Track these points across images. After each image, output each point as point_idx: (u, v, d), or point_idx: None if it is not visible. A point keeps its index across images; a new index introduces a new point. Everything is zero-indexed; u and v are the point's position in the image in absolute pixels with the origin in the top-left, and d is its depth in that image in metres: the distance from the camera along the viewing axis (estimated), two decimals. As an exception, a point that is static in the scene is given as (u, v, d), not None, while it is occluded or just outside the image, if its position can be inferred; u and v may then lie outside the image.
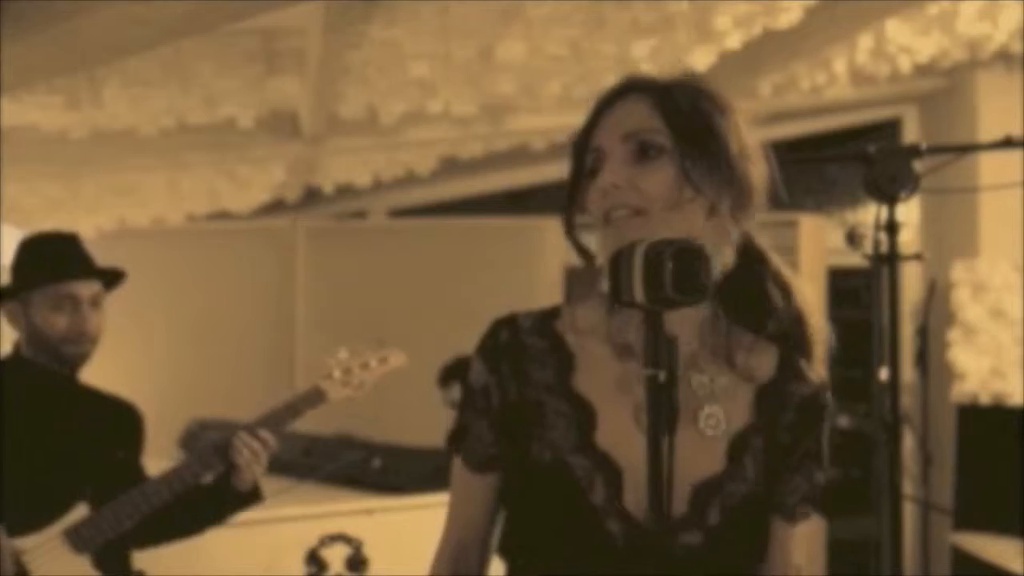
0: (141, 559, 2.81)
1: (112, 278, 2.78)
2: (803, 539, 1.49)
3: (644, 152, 1.37)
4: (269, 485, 3.64)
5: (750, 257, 1.45)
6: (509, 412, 1.40)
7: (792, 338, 1.45)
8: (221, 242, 6.46)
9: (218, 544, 3.20)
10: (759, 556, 1.41)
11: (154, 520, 2.59)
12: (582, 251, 1.46)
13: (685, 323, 1.36)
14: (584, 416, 1.37)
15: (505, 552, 1.44)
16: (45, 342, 2.62)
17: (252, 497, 2.68)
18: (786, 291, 1.46)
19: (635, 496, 1.33)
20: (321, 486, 3.71)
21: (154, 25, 3.00)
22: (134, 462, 2.74)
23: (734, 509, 1.36)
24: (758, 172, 1.43)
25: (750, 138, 1.46)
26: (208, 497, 2.66)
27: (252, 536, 3.28)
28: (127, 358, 6.20)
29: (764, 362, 1.43)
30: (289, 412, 2.69)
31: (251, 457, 2.58)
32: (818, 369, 1.47)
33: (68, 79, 3.87)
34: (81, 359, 2.67)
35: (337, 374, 2.74)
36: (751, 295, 1.44)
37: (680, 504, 1.34)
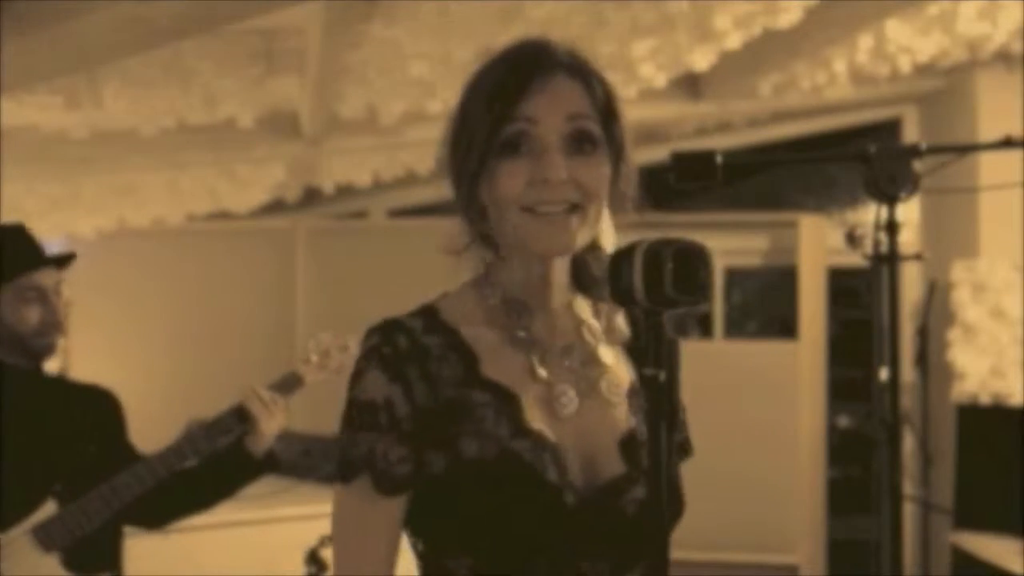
0: (137, 557, 2.80)
1: (65, 262, 2.73)
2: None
3: (581, 143, 1.34)
4: (269, 485, 3.64)
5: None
6: (423, 419, 1.31)
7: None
8: (221, 242, 6.46)
9: (218, 544, 3.20)
10: (683, 498, 1.42)
11: (164, 495, 2.57)
12: (486, 237, 1.42)
13: (564, 308, 1.41)
14: (508, 401, 1.34)
15: (441, 556, 1.35)
16: (14, 338, 2.58)
17: (267, 463, 2.67)
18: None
19: (576, 470, 1.34)
20: (321, 486, 3.71)
21: (154, 25, 3.00)
22: (117, 447, 2.70)
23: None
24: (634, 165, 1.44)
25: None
26: (222, 466, 2.65)
27: (252, 536, 3.28)
28: (127, 358, 6.20)
29: (617, 323, 1.47)
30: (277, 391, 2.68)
31: (262, 408, 2.59)
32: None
33: (68, 79, 3.87)
34: (50, 351, 2.65)
35: (315, 358, 2.72)
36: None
37: (615, 465, 1.36)
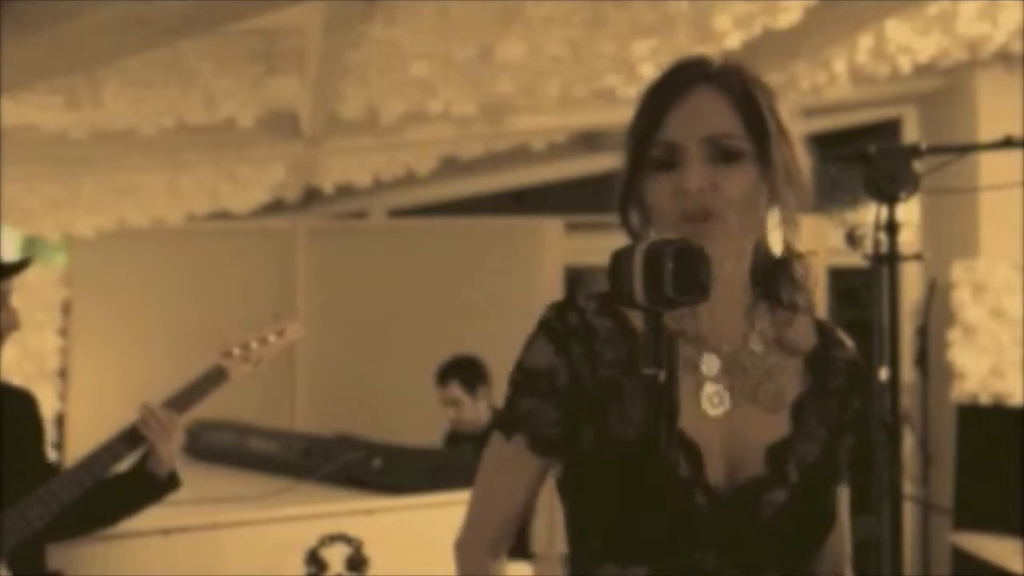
0: (135, 560, 2.80)
1: (20, 269, 2.69)
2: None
3: (725, 155, 1.37)
4: (269, 485, 3.64)
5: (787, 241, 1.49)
6: (580, 394, 1.39)
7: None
8: (221, 242, 6.46)
9: (218, 544, 3.19)
10: (833, 517, 1.45)
11: (68, 513, 2.53)
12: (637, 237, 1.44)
13: (733, 311, 1.42)
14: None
15: (576, 530, 1.43)
16: None
17: (169, 484, 2.63)
18: (805, 266, 1.50)
19: (713, 470, 1.37)
20: (321, 486, 3.70)
21: (154, 25, 3.00)
22: (35, 451, 2.66)
23: (811, 467, 1.40)
24: (807, 165, 1.47)
25: (798, 130, 1.48)
26: (125, 486, 2.61)
27: (252, 536, 3.28)
28: (127, 358, 6.20)
29: (805, 334, 1.48)
30: (192, 393, 2.65)
31: (159, 431, 2.54)
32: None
33: (68, 79, 3.87)
34: None
35: (236, 351, 2.70)
36: (782, 276, 1.47)
37: (756, 467, 1.38)
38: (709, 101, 1.39)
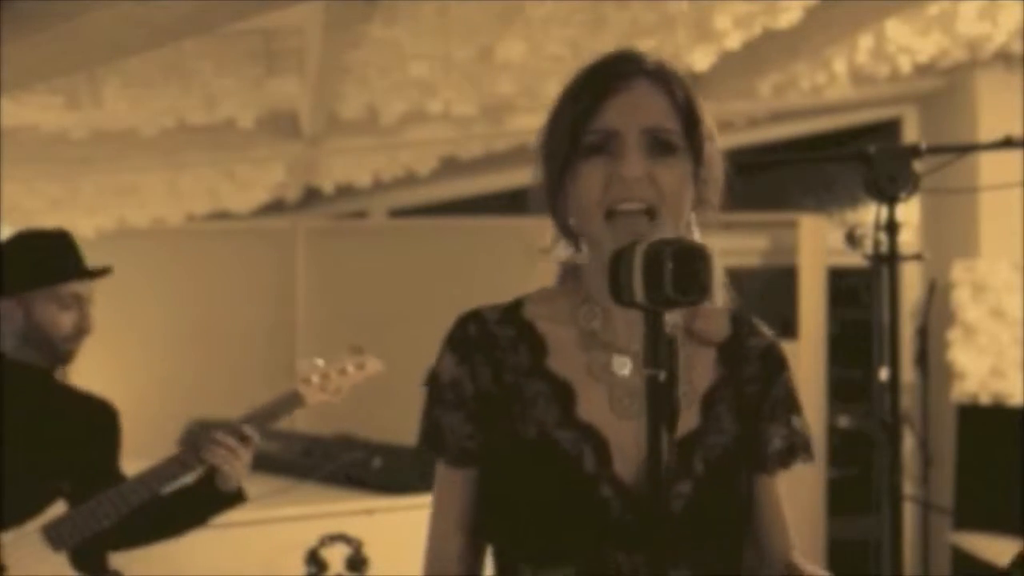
0: (138, 559, 2.80)
1: (102, 274, 2.80)
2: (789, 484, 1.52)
3: (663, 147, 1.37)
4: (269, 485, 3.64)
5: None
6: (486, 400, 1.41)
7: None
8: (221, 242, 6.45)
9: (218, 544, 3.19)
10: (746, 507, 1.44)
11: (134, 520, 2.58)
12: (568, 232, 1.45)
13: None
14: (563, 393, 1.40)
15: (492, 536, 1.44)
16: (44, 340, 2.65)
17: (235, 498, 2.67)
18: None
19: (623, 464, 1.37)
20: (321, 486, 3.71)
21: (154, 25, 2.99)
22: (111, 460, 2.74)
23: (717, 459, 1.41)
24: (722, 170, 1.47)
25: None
26: (191, 498, 2.66)
27: (252, 536, 3.28)
28: (127, 358, 6.20)
29: (717, 324, 1.49)
30: (267, 414, 2.70)
31: (226, 454, 2.58)
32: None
33: (68, 79, 3.87)
34: (72, 356, 2.72)
35: (315, 379, 2.74)
36: None
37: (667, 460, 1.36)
38: (649, 94, 1.38)
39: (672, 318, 1.41)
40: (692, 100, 1.41)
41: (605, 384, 1.41)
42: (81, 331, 2.68)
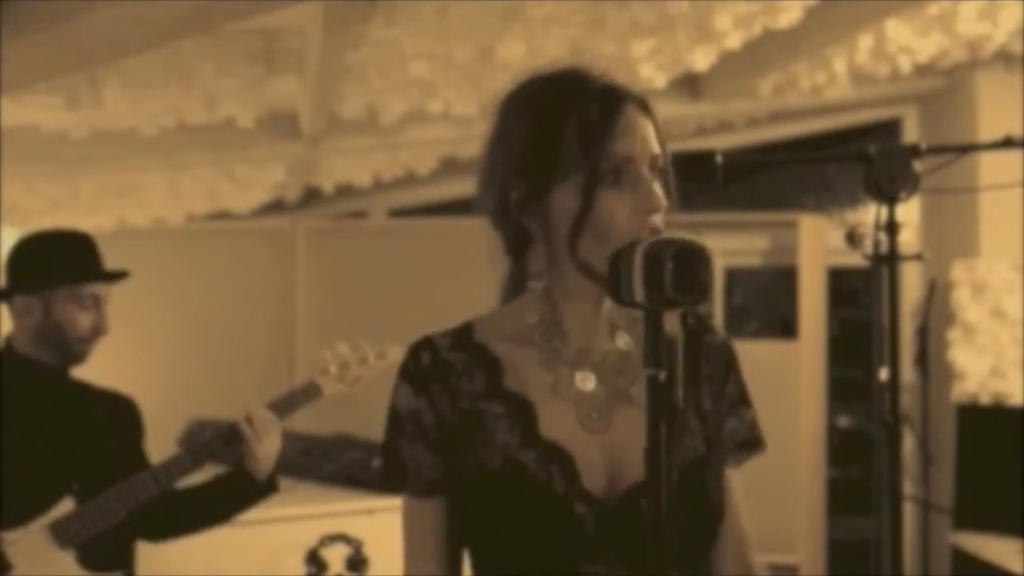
0: (141, 559, 2.80)
1: (121, 277, 2.83)
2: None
3: (658, 175, 1.39)
4: (269, 485, 3.64)
5: None
6: (446, 430, 1.40)
7: None
8: (221, 242, 6.46)
9: (218, 544, 3.19)
10: (721, 508, 1.43)
11: (153, 514, 2.59)
12: (522, 253, 1.46)
13: (595, 315, 1.42)
14: (523, 412, 1.39)
15: (473, 563, 1.43)
16: (60, 338, 2.66)
17: (267, 488, 2.67)
18: None
19: (591, 478, 1.36)
20: (321, 486, 3.71)
21: (154, 25, 3.00)
22: (132, 453, 2.74)
23: (689, 463, 1.40)
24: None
25: None
26: (220, 488, 2.66)
27: (252, 536, 3.28)
28: (127, 358, 6.19)
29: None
30: (286, 404, 2.69)
31: (258, 431, 2.57)
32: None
33: (68, 79, 3.87)
34: (87, 356, 2.72)
35: (333, 369, 2.73)
36: None
37: (637, 469, 1.33)
38: (642, 120, 1.40)
39: (623, 323, 1.43)
40: (658, 125, 1.42)
41: (571, 401, 1.39)
42: (97, 332, 2.70)
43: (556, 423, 1.38)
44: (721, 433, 1.47)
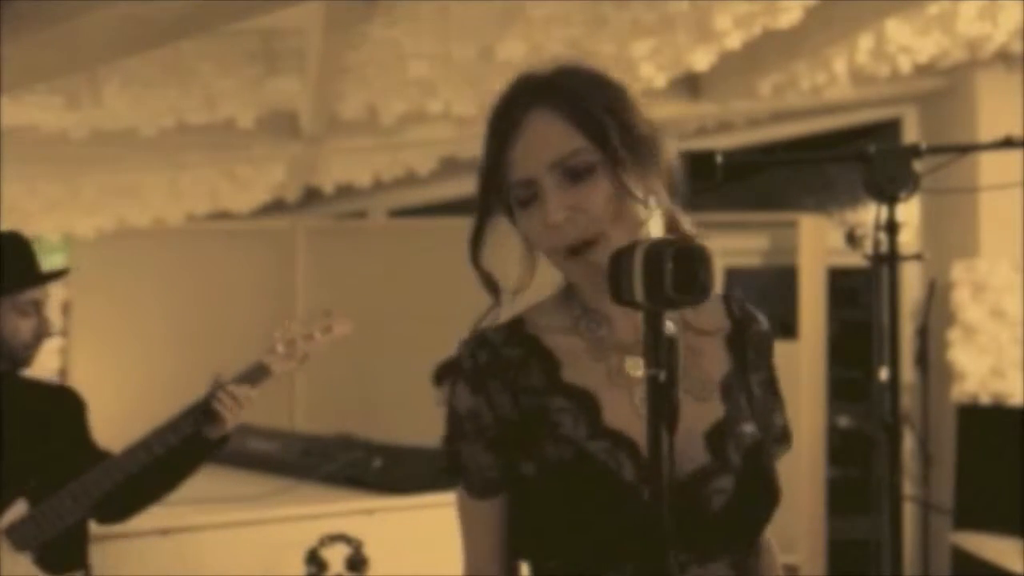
0: (136, 558, 2.80)
1: (59, 276, 2.75)
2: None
3: (575, 174, 1.35)
4: (269, 485, 3.64)
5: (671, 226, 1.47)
6: (506, 427, 1.39)
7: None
8: (221, 242, 6.46)
9: (218, 544, 3.20)
10: (780, 491, 1.43)
11: (121, 498, 2.57)
12: (490, 282, 1.47)
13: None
14: (587, 404, 1.39)
15: (536, 557, 1.42)
16: (5, 348, 2.58)
17: (221, 444, 2.67)
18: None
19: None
20: (321, 486, 3.71)
21: (154, 25, 2.99)
22: (82, 444, 2.70)
23: (749, 448, 1.40)
24: (668, 144, 1.43)
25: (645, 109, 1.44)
26: (182, 453, 2.63)
27: (252, 536, 3.28)
28: (126, 358, 6.20)
29: (714, 313, 1.48)
30: (232, 387, 2.66)
31: (232, 404, 2.60)
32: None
33: (68, 79, 3.87)
34: (33, 360, 2.67)
35: (280, 348, 2.70)
36: None
37: (700, 455, 1.37)
38: (544, 124, 1.37)
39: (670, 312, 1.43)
40: (589, 105, 1.37)
41: (624, 388, 1.40)
42: (40, 336, 2.62)
43: (617, 412, 1.38)
44: (769, 420, 1.48)
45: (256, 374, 2.70)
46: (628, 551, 1.33)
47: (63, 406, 2.73)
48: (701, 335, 1.45)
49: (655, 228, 1.41)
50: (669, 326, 1.20)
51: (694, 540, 1.34)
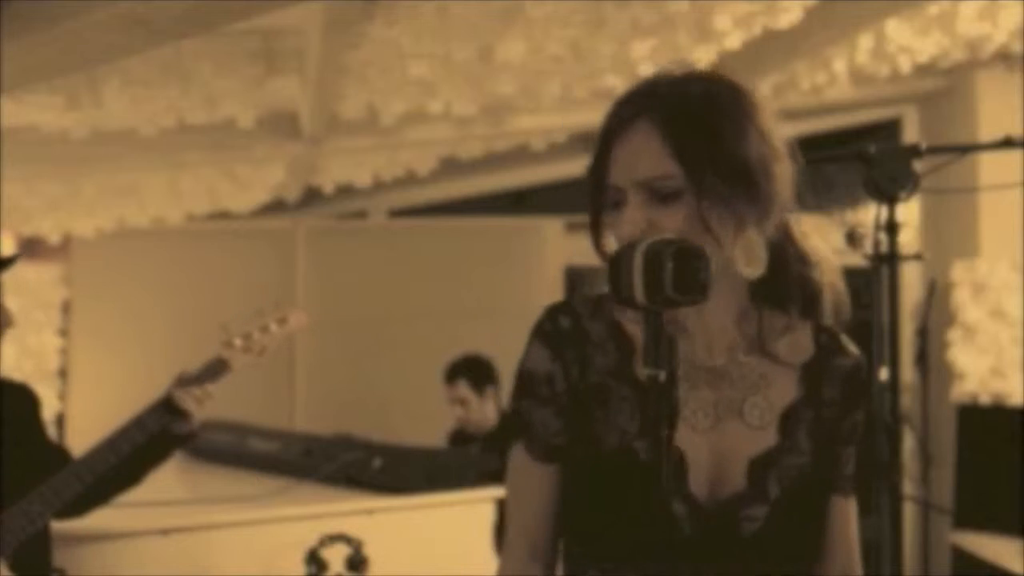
0: (134, 558, 2.80)
1: (5, 266, 2.65)
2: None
3: (658, 197, 1.34)
4: (269, 485, 3.64)
5: (778, 241, 1.45)
6: (575, 397, 1.39)
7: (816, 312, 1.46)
8: (221, 242, 6.46)
9: (218, 544, 3.20)
10: (820, 531, 1.42)
11: (88, 496, 2.54)
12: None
13: (723, 317, 1.40)
14: (646, 402, 1.37)
15: (566, 532, 1.43)
16: None
17: (188, 439, 2.68)
18: (810, 266, 1.48)
19: (696, 480, 1.36)
20: (321, 486, 3.71)
21: (154, 25, 2.99)
22: (39, 440, 2.66)
23: (793, 481, 1.39)
24: (783, 171, 1.43)
25: (773, 134, 1.43)
26: (148, 454, 2.62)
27: (252, 536, 3.28)
28: (127, 358, 6.20)
29: (801, 341, 1.45)
30: (191, 382, 2.67)
31: (194, 402, 2.60)
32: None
33: (68, 79, 3.87)
34: None
35: (238, 342, 2.71)
36: (777, 279, 1.43)
37: (739, 480, 1.37)
38: (643, 138, 1.35)
39: (751, 336, 1.40)
40: (690, 124, 1.34)
41: (681, 397, 1.39)
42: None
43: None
44: (836, 458, 1.44)
45: (215, 369, 2.70)
46: (647, 552, 1.34)
47: (20, 402, 2.67)
48: (776, 364, 1.42)
49: (750, 251, 1.38)
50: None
51: (723, 562, 1.35)
